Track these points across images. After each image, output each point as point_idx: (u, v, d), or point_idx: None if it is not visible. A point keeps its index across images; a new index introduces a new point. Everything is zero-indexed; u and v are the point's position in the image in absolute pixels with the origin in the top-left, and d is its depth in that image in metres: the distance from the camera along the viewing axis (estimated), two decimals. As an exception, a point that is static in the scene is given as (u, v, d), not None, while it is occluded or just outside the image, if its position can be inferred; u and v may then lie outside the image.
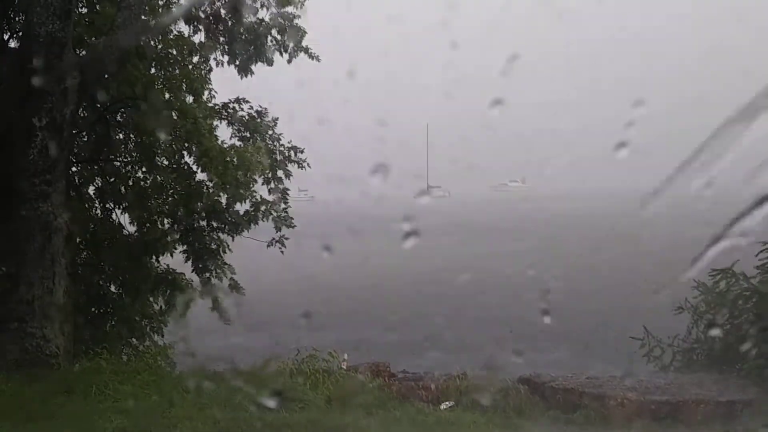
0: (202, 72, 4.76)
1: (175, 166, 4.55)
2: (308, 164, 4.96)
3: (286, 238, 4.69)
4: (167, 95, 4.55)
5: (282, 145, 4.84)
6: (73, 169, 4.53)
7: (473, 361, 4.25)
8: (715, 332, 4.55)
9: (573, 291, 3.90)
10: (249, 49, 4.75)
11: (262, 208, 4.63)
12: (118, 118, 4.63)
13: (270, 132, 4.77)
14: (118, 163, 4.76)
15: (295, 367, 4.01)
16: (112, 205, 4.75)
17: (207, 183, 4.51)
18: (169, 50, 4.66)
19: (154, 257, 4.60)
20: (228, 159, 4.38)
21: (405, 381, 4.23)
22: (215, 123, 4.64)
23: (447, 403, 3.92)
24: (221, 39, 4.81)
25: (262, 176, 4.61)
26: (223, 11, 4.78)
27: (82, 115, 4.31)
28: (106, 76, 4.24)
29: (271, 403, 3.50)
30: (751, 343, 4.21)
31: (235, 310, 4.41)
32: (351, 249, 4.04)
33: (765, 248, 4.34)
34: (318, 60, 4.84)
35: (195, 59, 4.75)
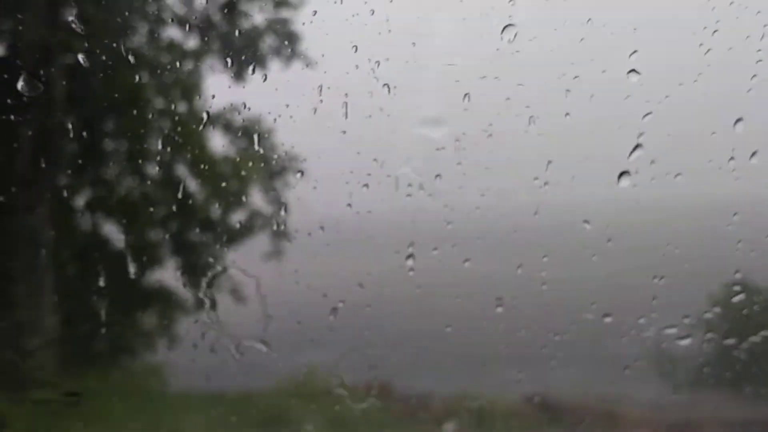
0: (195, 79, 4.63)
1: (167, 176, 4.41)
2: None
3: (286, 250, 4.54)
4: (158, 103, 4.43)
5: (282, 153, 4.68)
6: (61, 179, 4.39)
7: (478, 379, 4.12)
8: (730, 348, 4.43)
9: (585, 303, 3.77)
10: (243, 55, 4.64)
11: (260, 219, 4.49)
12: (108, 126, 4.49)
13: (268, 139, 4.63)
14: (108, 174, 4.61)
15: (291, 387, 3.87)
16: (101, 217, 4.60)
17: (199, 193, 4.39)
18: (161, 56, 4.53)
19: (145, 272, 4.46)
20: (221, 168, 4.26)
21: (407, 401, 4.11)
22: (209, 131, 4.51)
23: (450, 424, 3.80)
24: (215, 45, 4.70)
25: (260, 186, 4.49)
26: (216, 16, 4.67)
27: (70, 123, 4.18)
28: (94, 83, 4.12)
29: (266, 425, 3.39)
30: (766, 359, 4.09)
31: (231, 327, 4.28)
32: (356, 257, 3.93)
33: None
34: (312, 67, 4.71)
35: (188, 65, 4.62)
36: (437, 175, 3.37)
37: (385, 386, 4.11)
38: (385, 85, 3.24)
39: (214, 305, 4.44)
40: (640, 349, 4.23)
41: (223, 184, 4.32)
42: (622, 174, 3.20)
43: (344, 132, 3.40)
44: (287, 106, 3.58)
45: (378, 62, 3.26)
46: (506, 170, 3.55)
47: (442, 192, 3.46)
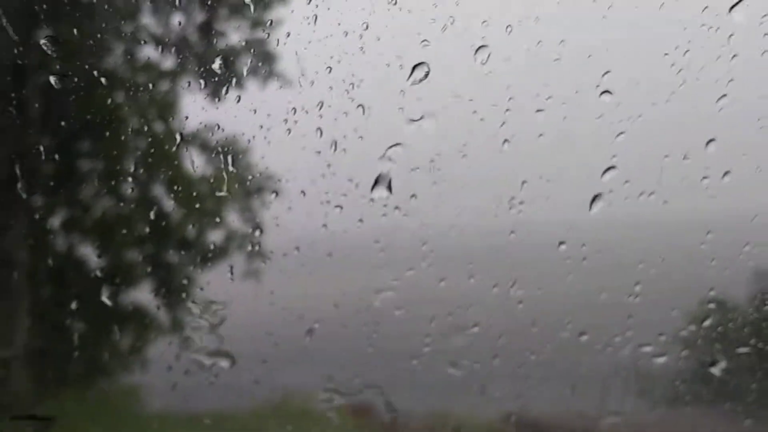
0: (172, 98, 4.62)
1: (142, 196, 4.39)
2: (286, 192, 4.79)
3: (261, 271, 4.53)
4: (135, 122, 4.41)
5: (257, 173, 4.68)
6: (36, 200, 4.36)
7: (457, 399, 4.11)
8: (708, 366, 4.45)
9: (560, 322, 3.78)
10: (220, 74, 4.64)
11: (235, 240, 4.48)
12: (83, 146, 4.47)
13: (243, 159, 4.63)
14: (83, 194, 4.58)
15: (273, 408, 3.85)
16: (77, 239, 4.57)
17: (174, 214, 4.36)
18: (137, 76, 4.51)
19: (120, 293, 4.43)
20: (197, 187, 4.24)
21: (389, 420, 4.09)
22: (185, 150, 4.49)
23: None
24: (191, 64, 4.70)
25: (235, 206, 4.48)
26: (192, 36, 4.67)
27: (45, 144, 4.16)
28: (70, 103, 4.10)
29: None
30: (743, 376, 4.12)
31: (211, 347, 4.26)
32: (331, 278, 3.93)
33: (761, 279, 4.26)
34: (292, 86, 4.74)
35: (164, 85, 4.61)
36: (412, 195, 3.37)
37: (363, 406, 4.09)
38: (359, 105, 3.25)
39: (187, 327, 4.43)
40: (616, 368, 4.24)
41: (199, 205, 4.31)
42: (596, 196, 3.22)
43: (319, 152, 3.41)
44: (261, 126, 3.59)
45: (352, 84, 3.27)
46: (481, 190, 3.56)
47: (418, 212, 3.47)
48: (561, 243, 3.38)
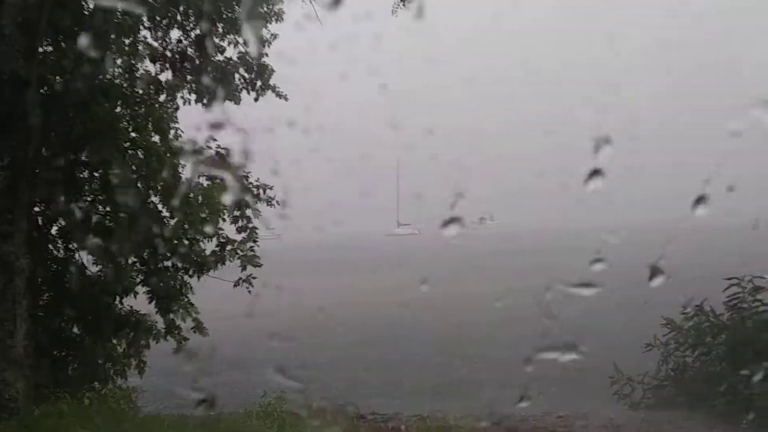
0: (169, 110, 4.72)
1: (139, 205, 4.45)
2: (277, 202, 4.89)
3: (254, 278, 4.62)
4: (132, 134, 4.50)
5: (250, 183, 4.78)
6: (36, 208, 4.43)
7: (444, 401, 4.23)
8: (685, 370, 4.60)
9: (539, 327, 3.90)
10: (216, 87, 4.76)
11: (228, 247, 4.57)
12: (82, 156, 4.54)
13: (238, 170, 4.72)
14: (82, 203, 4.64)
15: (262, 410, 3.94)
16: (75, 246, 4.64)
17: (170, 221, 4.43)
18: (135, 89, 4.61)
19: (117, 298, 4.50)
20: (192, 197, 4.32)
21: (373, 423, 4.20)
22: (181, 161, 4.59)
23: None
24: (188, 77, 4.81)
25: (230, 215, 4.57)
26: (190, 50, 4.79)
27: (45, 153, 4.24)
28: (70, 114, 4.20)
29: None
30: (719, 380, 4.25)
31: (201, 352, 4.36)
32: (317, 287, 4.05)
33: (731, 284, 4.40)
34: (286, 99, 4.88)
35: (162, 98, 4.71)
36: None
37: (352, 409, 4.20)
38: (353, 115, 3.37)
39: (181, 333, 4.53)
40: (600, 372, 4.37)
41: (195, 213, 4.40)
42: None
43: (316, 160, 3.52)
44: (254, 137, 3.71)
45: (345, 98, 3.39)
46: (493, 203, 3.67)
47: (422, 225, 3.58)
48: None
